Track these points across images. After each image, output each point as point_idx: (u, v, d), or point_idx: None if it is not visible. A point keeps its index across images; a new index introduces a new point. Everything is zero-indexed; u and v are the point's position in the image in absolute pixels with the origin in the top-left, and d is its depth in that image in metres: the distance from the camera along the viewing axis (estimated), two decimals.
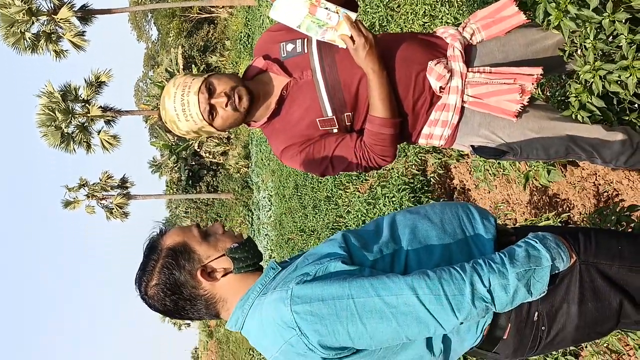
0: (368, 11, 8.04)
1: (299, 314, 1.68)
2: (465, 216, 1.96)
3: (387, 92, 2.39)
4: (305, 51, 2.50)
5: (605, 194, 3.77)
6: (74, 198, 34.65)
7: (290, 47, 2.54)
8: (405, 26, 6.18)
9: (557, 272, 1.80)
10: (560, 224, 3.67)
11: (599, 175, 3.85)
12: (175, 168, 45.52)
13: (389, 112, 2.41)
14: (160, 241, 1.91)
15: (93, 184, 35.77)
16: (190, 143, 44.97)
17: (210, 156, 43.76)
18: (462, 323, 1.69)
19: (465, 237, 1.91)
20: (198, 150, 43.90)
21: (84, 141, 27.30)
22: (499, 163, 4.53)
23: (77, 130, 27.07)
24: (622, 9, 2.27)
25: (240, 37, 36.08)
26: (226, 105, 2.42)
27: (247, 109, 2.46)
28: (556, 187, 4.20)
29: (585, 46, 2.39)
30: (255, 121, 2.58)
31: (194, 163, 44.97)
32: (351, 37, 2.33)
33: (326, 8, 2.32)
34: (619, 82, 2.35)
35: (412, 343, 1.78)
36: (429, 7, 5.40)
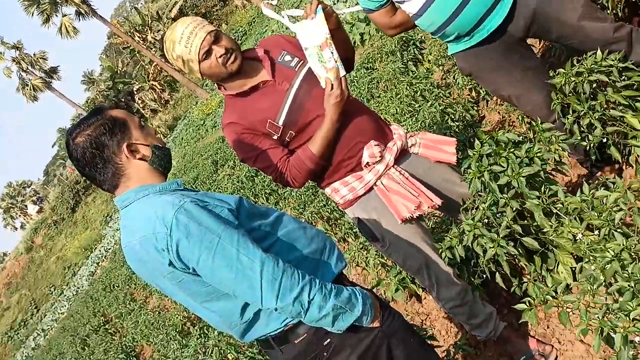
0: (354, 83, 8.66)
1: (178, 221, 2.06)
2: (329, 247, 2.42)
3: (329, 138, 2.86)
4: (296, 69, 2.96)
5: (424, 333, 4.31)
6: (1, 52, 33.79)
7: (288, 58, 2.99)
8: (380, 105, 6.83)
9: (360, 324, 2.24)
10: None
11: (430, 317, 4.39)
12: (104, 93, 44.87)
13: (321, 152, 2.87)
14: (107, 110, 2.28)
15: (26, 53, 34.99)
16: (132, 82, 44.52)
17: (141, 105, 43.35)
18: (276, 309, 2.10)
19: (319, 259, 2.35)
20: (135, 93, 43.49)
21: (47, 13, 26.90)
22: (366, 259, 5.02)
23: (48, 1, 26.69)
24: (519, 201, 2.84)
25: (237, 30, 36.28)
26: (220, 57, 2.83)
27: (231, 73, 2.89)
28: (395, 306, 4.72)
29: (479, 207, 2.94)
30: (226, 89, 3.01)
31: (122, 100, 44.42)
32: (332, 86, 2.82)
33: (332, 52, 2.79)
34: (482, 247, 2.90)
35: (235, 298, 2.19)
36: (399, 112, 5.99)
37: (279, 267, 2.10)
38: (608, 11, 3.68)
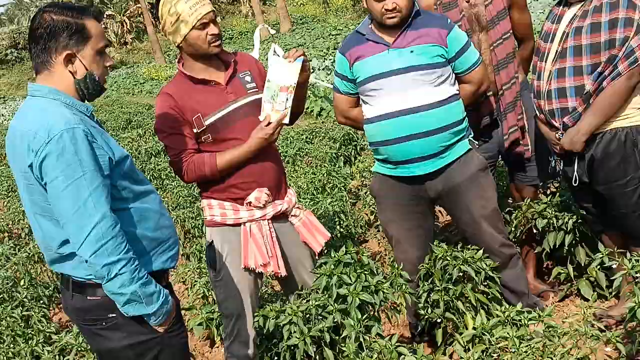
0: (288, 139, 8.91)
1: (61, 138, 2.16)
2: (169, 244, 2.52)
3: (237, 161, 3.07)
4: (248, 92, 3.17)
5: None
6: None
7: (248, 79, 3.21)
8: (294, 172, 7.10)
9: (148, 320, 2.36)
10: None
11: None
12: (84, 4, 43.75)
13: (223, 167, 3.06)
14: (88, 16, 2.36)
15: None
16: (109, 6, 43.64)
17: (107, 32, 42.42)
18: (86, 262, 2.22)
19: (153, 248, 2.45)
20: (104, 17, 42.59)
21: None
22: (195, 283, 5.08)
23: None
24: (343, 316, 3.02)
25: (227, 31, 36.14)
26: (211, 35, 3.04)
27: (208, 54, 3.08)
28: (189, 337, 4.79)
29: (310, 300, 3.11)
30: (184, 66, 3.17)
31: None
32: (269, 123, 3.04)
33: (287, 99, 3.03)
34: (289, 333, 3.06)
35: (62, 229, 2.28)
36: (304, 190, 6.20)
37: (113, 230, 2.22)
38: (511, 228, 4.00)
